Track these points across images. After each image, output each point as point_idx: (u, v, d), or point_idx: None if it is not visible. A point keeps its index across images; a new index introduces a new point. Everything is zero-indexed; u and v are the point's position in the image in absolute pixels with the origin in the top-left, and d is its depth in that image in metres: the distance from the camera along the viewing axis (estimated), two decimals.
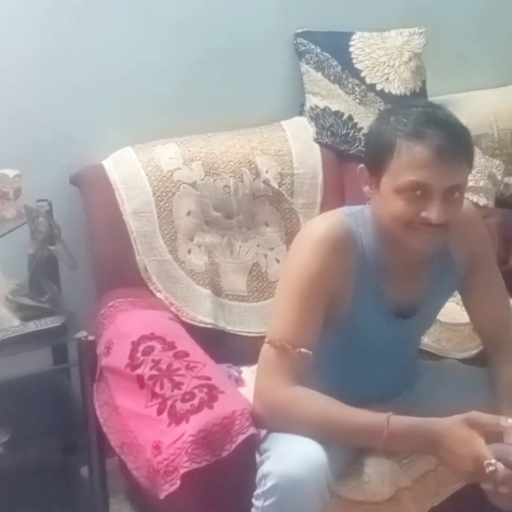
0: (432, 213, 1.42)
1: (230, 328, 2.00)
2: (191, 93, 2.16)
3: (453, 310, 1.82)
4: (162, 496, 1.44)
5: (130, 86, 2.09)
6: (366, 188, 1.54)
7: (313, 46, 2.25)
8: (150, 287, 1.95)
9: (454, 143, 1.42)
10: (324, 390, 1.46)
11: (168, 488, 1.43)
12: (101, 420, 1.70)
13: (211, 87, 2.19)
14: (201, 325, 1.95)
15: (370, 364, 1.61)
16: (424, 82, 2.31)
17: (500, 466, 1.31)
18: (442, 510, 1.63)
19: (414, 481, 1.60)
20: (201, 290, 1.98)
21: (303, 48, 2.26)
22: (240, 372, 1.92)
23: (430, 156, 1.41)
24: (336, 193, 2.19)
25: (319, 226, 1.54)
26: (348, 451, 1.56)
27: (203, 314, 1.96)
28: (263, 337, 2.03)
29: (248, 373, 1.87)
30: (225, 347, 1.96)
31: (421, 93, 2.29)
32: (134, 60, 2.08)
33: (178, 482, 1.41)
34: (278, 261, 2.10)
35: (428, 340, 1.88)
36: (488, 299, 1.64)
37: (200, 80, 2.17)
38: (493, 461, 1.31)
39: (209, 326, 1.96)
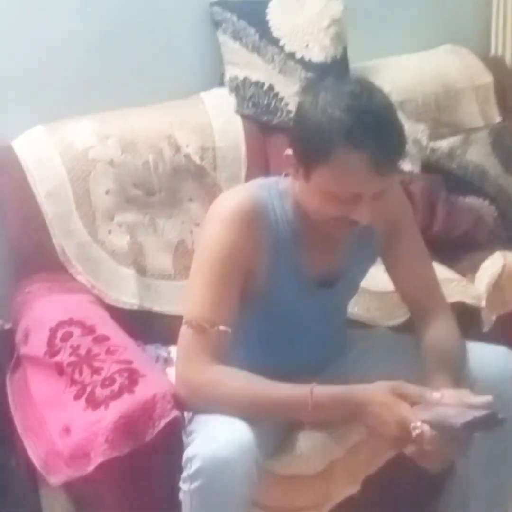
0: (362, 217, 1.41)
1: (157, 308, 1.95)
2: (104, 67, 2.08)
3: (381, 279, 1.79)
4: (57, 481, 1.42)
5: (38, 61, 1.99)
6: (292, 171, 1.47)
7: (229, 15, 2.19)
8: (70, 271, 1.88)
9: (392, 153, 1.38)
10: (252, 368, 1.43)
11: (71, 473, 1.39)
12: (12, 406, 1.64)
13: (125, 61, 2.11)
14: (127, 306, 1.89)
15: (296, 338, 1.58)
16: (345, 48, 2.26)
17: (425, 427, 1.29)
18: (375, 479, 1.62)
19: (347, 452, 1.59)
20: (124, 271, 1.92)
21: (219, 17, 2.20)
22: (169, 352, 1.87)
23: (367, 169, 1.35)
24: (260, 166, 2.14)
25: (227, 202, 1.50)
26: (280, 428, 1.54)
27: (128, 295, 1.91)
28: None
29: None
30: (153, 327, 1.91)
31: (342, 59, 2.25)
32: (41, 33, 1.99)
33: (89, 469, 1.36)
34: None
35: (358, 310, 1.86)
36: (411, 263, 1.62)
37: (114, 53, 2.09)
38: (418, 423, 1.30)
39: (135, 307, 1.90)
